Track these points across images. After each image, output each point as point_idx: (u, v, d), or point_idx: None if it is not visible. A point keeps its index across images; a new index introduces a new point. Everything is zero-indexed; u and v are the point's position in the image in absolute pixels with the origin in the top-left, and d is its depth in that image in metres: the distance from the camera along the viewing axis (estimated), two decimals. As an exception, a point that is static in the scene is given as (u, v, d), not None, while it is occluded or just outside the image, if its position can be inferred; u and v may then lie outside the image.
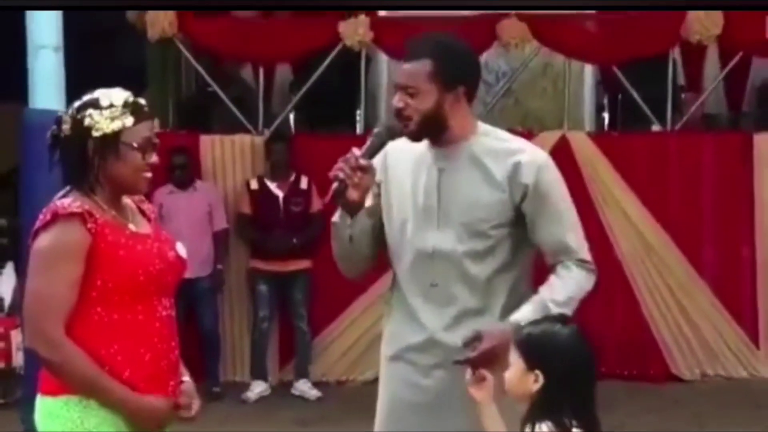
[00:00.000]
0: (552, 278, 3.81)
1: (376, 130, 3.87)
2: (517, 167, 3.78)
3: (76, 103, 3.50)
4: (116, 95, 3.49)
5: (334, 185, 3.76)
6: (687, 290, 9.55)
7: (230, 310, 9.56)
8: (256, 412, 8.76)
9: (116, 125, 3.44)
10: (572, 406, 3.18)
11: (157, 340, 3.49)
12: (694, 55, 10.73)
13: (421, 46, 3.84)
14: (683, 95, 11.01)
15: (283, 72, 11.54)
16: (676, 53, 10.20)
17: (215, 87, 9.93)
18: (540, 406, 3.21)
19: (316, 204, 9.10)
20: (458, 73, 3.81)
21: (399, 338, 3.92)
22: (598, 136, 10.01)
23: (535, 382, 3.22)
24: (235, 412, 8.54)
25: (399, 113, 3.80)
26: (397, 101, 3.80)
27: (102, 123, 3.43)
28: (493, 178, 3.80)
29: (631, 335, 9.37)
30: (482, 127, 3.93)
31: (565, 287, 3.77)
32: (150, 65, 10.32)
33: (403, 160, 3.92)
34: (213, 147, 9.56)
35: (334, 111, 10.71)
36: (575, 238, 3.85)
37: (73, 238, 3.37)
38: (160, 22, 9.24)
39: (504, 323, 3.66)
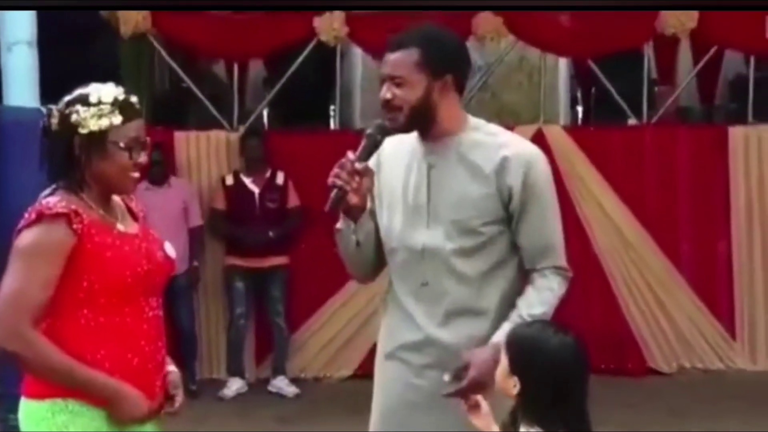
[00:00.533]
0: (529, 290, 3.74)
1: (368, 131, 3.77)
2: (504, 163, 3.70)
3: (67, 97, 3.43)
4: (107, 91, 3.42)
5: (333, 193, 3.67)
6: (664, 284, 9.58)
7: (206, 307, 9.49)
8: (233, 409, 8.72)
9: (103, 123, 3.38)
10: (563, 417, 3.10)
11: (144, 342, 3.45)
12: (666, 48, 10.76)
13: (407, 36, 3.78)
14: (656, 88, 11.04)
15: (257, 68, 11.50)
16: (648, 47, 10.20)
17: (189, 83, 9.87)
18: (522, 411, 3.15)
19: (293, 200, 9.08)
20: (446, 61, 3.74)
21: (394, 336, 3.87)
22: (574, 129, 10.02)
23: (514, 387, 3.16)
24: (212, 410, 8.48)
25: (387, 104, 3.73)
26: (385, 92, 3.72)
27: (89, 120, 3.37)
28: (481, 174, 3.72)
29: (608, 329, 9.36)
30: (472, 121, 3.85)
31: (542, 300, 3.71)
32: (123, 61, 10.25)
33: (396, 157, 3.87)
34: (188, 143, 9.49)
35: (307, 107, 10.68)
36: (557, 242, 3.79)
37: (56, 238, 3.31)
38: (133, 18, 9.15)
39: (486, 347, 3.60)
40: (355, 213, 3.78)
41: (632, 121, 9.93)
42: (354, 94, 10.77)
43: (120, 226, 3.49)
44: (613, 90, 9.70)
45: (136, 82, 10.19)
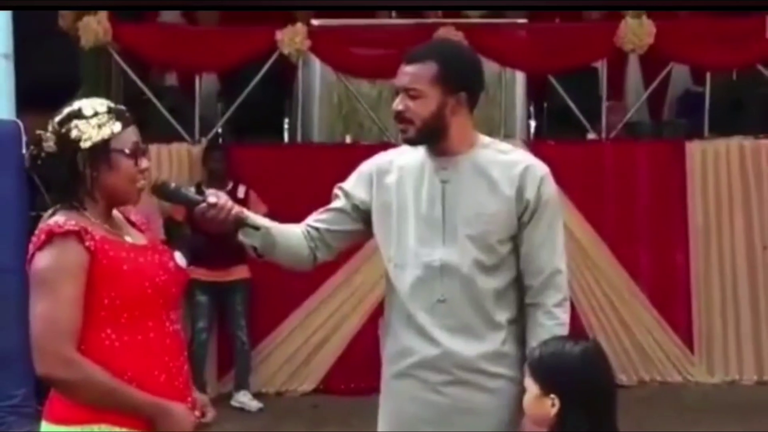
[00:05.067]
0: (538, 330, 3.69)
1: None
2: (522, 179, 3.74)
3: (57, 117, 3.37)
4: (97, 103, 3.38)
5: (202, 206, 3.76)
6: (623, 297, 9.64)
7: (168, 322, 9.39)
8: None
9: (105, 132, 3.32)
10: (591, 427, 3.11)
11: (168, 358, 3.39)
12: (617, 63, 10.84)
13: (427, 49, 3.82)
14: (606, 103, 11.13)
15: (209, 80, 11.43)
16: (602, 62, 10.28)
17: (151, 96, 9.78)
18: (559, 430, 3.14)
19: (260, 209, 8.97)
20: (462, 79, 3.76)
21: (407, 354, 3.82)
22: (534, 143, 10.04)
23: (552, 407, 3.15)
24: (174, 425, 8.40)
25: (398, 116, 3.76)
26: (398, 104, 3.75)
27: (90, 132, 3.31)
28: (498, 190, 3.74)
29: (568, 342, 9.39)
30: (483, 138, 3.87)
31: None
32: (84, 73, 10.15)
33: (403, 172, 3.86)
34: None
35: (260, 120, 10.62)
36: (560, 262, 3.80)
37: (72, 255, 3.25)
38: (93, 30, 9.09)
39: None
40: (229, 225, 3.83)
41: (591, 135, 9.99)
42: (312, 107, 10.73)
43: (128, 239, 3.43)
44: (573, 106, 9.76)
45: (96, 95, 10.10)
